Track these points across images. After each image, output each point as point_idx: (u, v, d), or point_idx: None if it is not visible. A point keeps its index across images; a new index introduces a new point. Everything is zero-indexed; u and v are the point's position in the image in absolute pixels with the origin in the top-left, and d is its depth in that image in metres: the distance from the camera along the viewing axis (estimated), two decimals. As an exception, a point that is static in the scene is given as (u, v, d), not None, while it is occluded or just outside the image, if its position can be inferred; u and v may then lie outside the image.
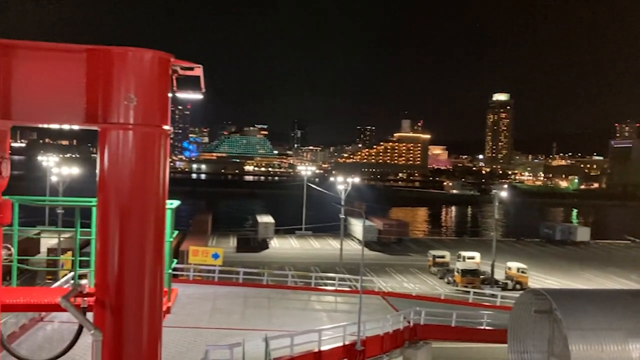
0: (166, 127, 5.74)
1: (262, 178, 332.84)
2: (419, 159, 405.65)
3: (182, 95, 6.38)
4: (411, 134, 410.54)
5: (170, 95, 5.83)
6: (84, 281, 7.24)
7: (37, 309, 6.97)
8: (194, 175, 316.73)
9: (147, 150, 5.54)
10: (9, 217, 5.62)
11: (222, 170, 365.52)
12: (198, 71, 6.25)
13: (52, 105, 5.39)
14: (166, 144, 5.79)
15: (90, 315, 5.68)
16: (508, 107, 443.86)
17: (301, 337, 21.61)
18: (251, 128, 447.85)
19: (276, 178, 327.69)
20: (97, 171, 5.53)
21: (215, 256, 36.30)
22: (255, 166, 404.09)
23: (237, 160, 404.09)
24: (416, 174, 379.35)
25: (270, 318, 27.01)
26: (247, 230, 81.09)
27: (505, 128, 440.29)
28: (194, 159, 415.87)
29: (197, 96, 6.49)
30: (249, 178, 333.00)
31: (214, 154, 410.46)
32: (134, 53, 5.48)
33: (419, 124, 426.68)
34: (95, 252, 5.69)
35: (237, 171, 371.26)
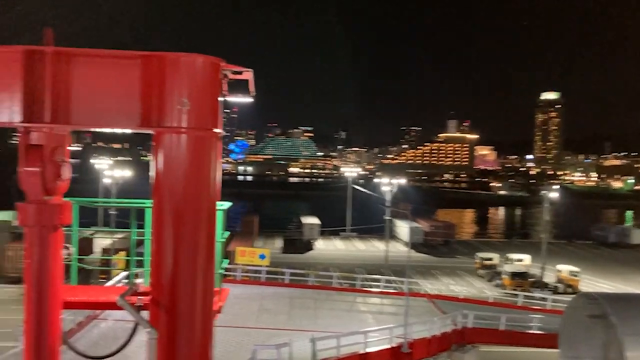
0: (217, 131, 5.86)
1: (307, 180, 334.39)
2: (465, 159, 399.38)
3: (232, 98, 6.50)
4: (457, 134, 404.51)
5: (221, 99, 5.95)
6: (138, 280, 7.47)
7: (95, 306, 7.23)
8: (241, 177, 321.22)
9: (200, 153, 5.68)
10: (70, 218, 5.86)
11: (268, 172, 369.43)
12: (248, 75, 6.36)
13: (109, 110, 5.59)
14: (217, 147, 5.93)
15: (144, 314, 5.86)
16: (558, 106, 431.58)
17: (347, 338, 21.61)
18: (296, 130, 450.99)
19: (320, 179, 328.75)
20: (152, 173, 5.71)
21: (262, 257, 36.75)
22: (300, 168, 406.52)
23: (282, 162, 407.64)
24: (463, 175, 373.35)
25: (316, 319, 27.11)
26: (292, 232, 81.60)
27: (555, 127, 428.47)
28: (240, 161, 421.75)
29: (247, 99, 6.60)
30: (294, 180, 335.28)
31: (260, 156, 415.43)
32: (186, 58, 5.63)
33: (465, 123, 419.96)
34: (150, 252, 5.86)
35: (282, 173, 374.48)
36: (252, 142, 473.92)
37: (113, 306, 5.94)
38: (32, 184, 5.47)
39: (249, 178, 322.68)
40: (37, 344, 5.49)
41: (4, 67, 5.37)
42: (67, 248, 5.93)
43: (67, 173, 5.75)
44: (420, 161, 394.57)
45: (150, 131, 5.64)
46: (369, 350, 22.37)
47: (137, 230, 8.19)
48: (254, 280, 35.64)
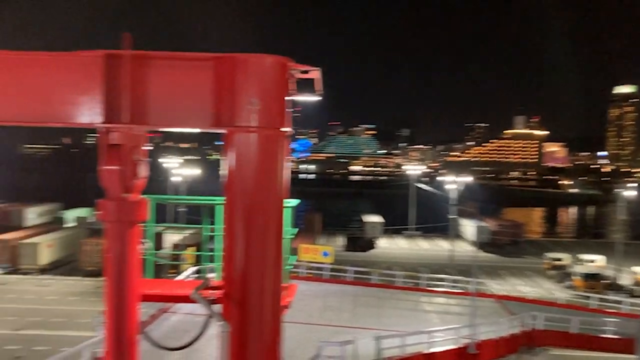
0: (285, 129, 5.97)
1: (369, 178, 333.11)
2: (534, 156, 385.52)
3: (300, 97, 6.59)
4: (525, 131, 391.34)
5: (289, 98, 6.05)
6: (210, 275, 7.70)
7: (170, 299, 7.52)
8: (303, 175, 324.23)
9: (268, 152, 5.81)
10: (146, 215, 6.13)
11: (329, 170, 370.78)
12: (315, 74, 6.44)
13: (183, 111, 5.80)
14: (286, 146, 6.03)
15: (216, 308, 6.04)
16: (634, 100, 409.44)
17: (412, 337, 21.43)
18: (357, 128, 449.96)
19: (382, 178, 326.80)
20: (223, 172, 5.88)
21: (326, 254, 36.98)
22: (361, 166, 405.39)
23: (344, 160, 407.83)
24: (531, 173, 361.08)
25: (379, 317, 27.03)
26: (354, 230, 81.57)
27: (630, 122, 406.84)
28: (303, 159, 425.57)
29: (315, 98, 6.68)
30: (355, 178, 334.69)
31: (322, 155, 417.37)
32: (255, 59, 5.76)
33: (534, 119, 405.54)
34: (222, 248, 6.04)
35: (343, 171, 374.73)
36: (315, 140, 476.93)
37: (187, 300, 6.17)
38: (112, 182, 5.75)
39: (311, 176, 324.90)
40: (116, 333, 5.78)
41: (86, 71, 5.68)
42: (144, 243, 6.20)
43: (144, 171, 6.01)
44: (486, 158, 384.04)
45: (221, 130, 5.81)
46: (434, 350, 22.10)
47: (208, 226, 8.43)
48: (318, 277, 35.90)
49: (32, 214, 76.08)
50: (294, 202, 7.04)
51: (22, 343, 33.15)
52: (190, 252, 42.14)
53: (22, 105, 5.85)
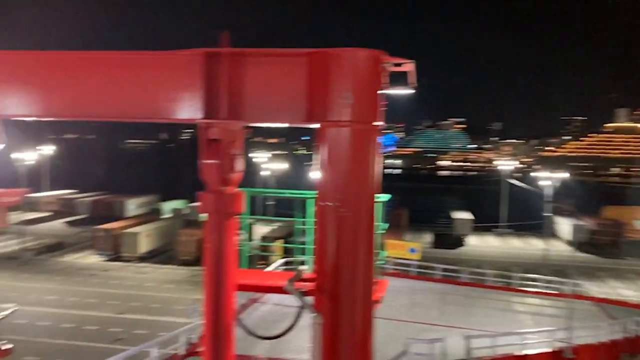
0: (378, 123, 5.94)
1: (458, 173, 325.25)
2: (637, 151, 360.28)
3: (393, 91, 6.53)
4: (628, 124, 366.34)
5: (381, 92, 6.01)
6: (303, 267, 7.83)
7: (263, 290, 7.73)
8: (389, 170, 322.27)
9: (361, 146, 5.81)
10: (242, 207, 6.34)
11: (416, 165, 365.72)
12: (408, 66, 6.35)
13: (277, 106, 5.93)
14: (378, 140, 6.00)
15: (307, 299, 6.14)
16: None
17: (503, 338, 20.73)
18: (446, 121, 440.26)
19: (472, 173, 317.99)
20: (316, 165, 5.95)
21: (413, 250, 36.57)
22: (450, 161, 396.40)
23: (432, 155, 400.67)
24: (634, 169, 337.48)
25: (468, 316, 26.36)
26: (442, 226, 79.96)
27: None
28: (389, 154, 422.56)
29: (408, 91, 6.60)
30: (444, 173, 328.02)
31: (408, 149, 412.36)
32: (348, 53, 5.77)
33: (638, 112, 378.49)
34: (314, 241, 6.13)
35: (431, 166, 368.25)
36: (401, 134, 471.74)
37: (280, 290, 6.31)
38: (211, 175, 6.00)
39: (397, 171, 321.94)
40: (214, 320, 6.03)
41: (187, 69, 5.94)
42: (239, 234, 6.41)
43: (240, 165, 6.21)
44: (584, 153, 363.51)
45: (314, 125, 5.88)
46: (526, 352, 21.26)
47: (296, 219, 8.57)
48: (404, 273, 35.53)
49: (133, 205, 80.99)
50: (385, 197, 7.01)
51: (123, 326, 35.39)
52: (278, 244, 43.13)
53: (129, 102, 6.22)
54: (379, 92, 5.96)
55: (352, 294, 5.79)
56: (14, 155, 71.88)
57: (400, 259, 37.35)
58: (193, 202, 72.62)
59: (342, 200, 5.76)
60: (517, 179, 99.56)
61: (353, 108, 5.68)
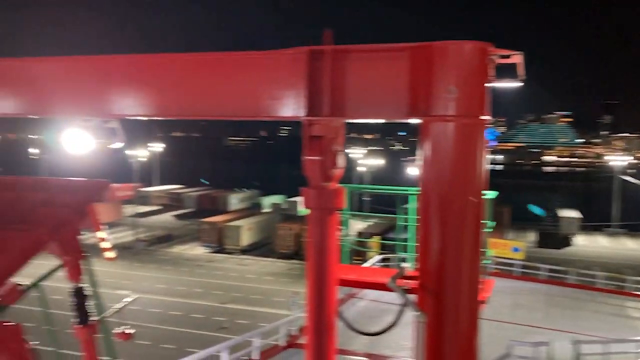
0: (484, 118, 5.75)
1: (564, 169, 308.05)
2: None
3: (500, 84, 6.30)
4: None
5: (488, 85, 5.81)
6: (405, 264, 7.76)
7: (366, 286, 7.75)
8: (490, 166, 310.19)
9: (467, 141, 5.65)
10: (343, 203, 6.39)
11: (519, 161, 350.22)
12: (517, 58, 6.09)
13: (378, 102, 5.90)
14: (484, 135, 5.81)
15: (410, 297, 6.06)
16: None
17: (617, 345, 19.39)
18: (551, 115, 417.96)
19: (581, 169, 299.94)
20: (419, 161, 5.86)
21: (516, 250, 35.16)
22: (555, 156, 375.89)
23: (535, 150, 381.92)
24: None
25: (576, 320, 24.92)
26: (547, 225, 76.10)
27: None
28: (490, 149, 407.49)
29: (517, 84, 6.34)
30: (549, 169, 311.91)
31: (511, 144, 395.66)
32: (453, 46, 5.62)
33: None
34: (417, 238, 6.05)
35: (535, 162, 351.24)
36: (502, 129, 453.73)
37: (381, 287, 6.29)
38: (314, 171, 6.08)
39: (499, 167, 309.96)
40: (317, 314, 6.12)
41: (291, 67, 6.05)
42: (340, 230, 6.46)
43: (342, 162, 6.25)
44: None
45: (417, 120, 5.79)
46: (643, 362, 19.74)
47: (395, 215, 8.48)
48: (506, 273, 34.24)
49: (235, 200, 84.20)
50: (491, 194, 6.76)
51: (227, 315, 36.91)
52: (375, 240, 43.06)
53: (235, 101, 6.46)
54: (485, 85, 5.76)
55: (457, 293, 5.65)
56: (128, 153, 77.26)
57: (503, 258, 36.06)
58: (291, 197, 74.31)
59: (447, 196, 5.63)
60: (630, 175, 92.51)
61: (458, 102, 5.53)
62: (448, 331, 5.65)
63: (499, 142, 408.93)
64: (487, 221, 7.11)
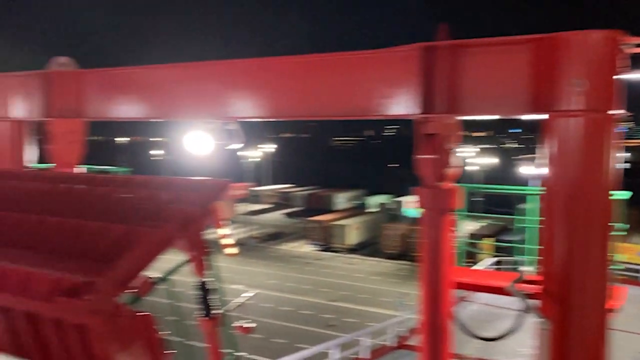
0: (614, 112, 5.32)
1: None
2: None
3: (634, 75, 5.81)
4: None
5: (619, 76, 5.37)
6: (526, 268, 7.41)
7: (483, 289, 7.51)
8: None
9: (595, 137, 5.27)
10: (460, 203, 6.19)
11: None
12: (652, 47, 5.58)
13: (497, 97, 5.67)
14: (613, 131, 5.39)
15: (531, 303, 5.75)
16: None
17: None
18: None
19: None
20: (543, 159, 5.54)
21: (645, 255, 32.30)
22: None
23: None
24: None
25: None
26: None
27: None
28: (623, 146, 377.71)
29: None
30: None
31: (638, 141, 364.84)
32: (579, 36, 5.28)
33: None
34: (541, 241, 5.73)
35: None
36: (630, 124, 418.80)
37: (499, 291, 6.04)
38: (427, 170, 5.97)
39: (626, 165, 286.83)
40: (432, 317, 5.99)
41: (404, 65, 5.97)
42: (456, 231, 6.28)
43: (457, 160, 6.07)
44: None
45: (541, 116, 5.49)
46: None
47: (513, 216, 8.09)
48: (634, 280, 31.57)
49: (341, 199, 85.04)
50: (624, 194, 6.22)
51: (334, 313, 37.29)
52: (487, 242, 41.56)
53: (348, 101, 6.49)
54: (615, 77, 5.33)
55: (584, 300, 5.28)
56: (240, 153, 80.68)
57: (630, 263, 33.31)
58: (398, 196, 73.69)
59: (573, 197, 5.28)
60: None
61: (586, 96, 5.17)
62: (574, 340, 5.30)
63: (626, 139, 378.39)
64: (617, 223, 6.55)
